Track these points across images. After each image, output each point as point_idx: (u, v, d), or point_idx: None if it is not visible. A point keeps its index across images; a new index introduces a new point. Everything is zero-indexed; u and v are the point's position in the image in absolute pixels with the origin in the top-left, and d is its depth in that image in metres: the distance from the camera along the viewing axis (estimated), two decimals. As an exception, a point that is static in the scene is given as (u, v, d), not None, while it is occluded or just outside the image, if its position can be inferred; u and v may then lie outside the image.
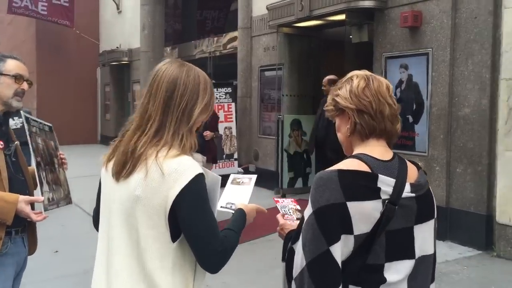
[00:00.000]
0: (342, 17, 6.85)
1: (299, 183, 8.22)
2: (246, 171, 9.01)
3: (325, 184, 1.40)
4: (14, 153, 2.26)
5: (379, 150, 1.51)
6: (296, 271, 1.41)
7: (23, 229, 2.27)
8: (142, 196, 1.46)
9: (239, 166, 9.08)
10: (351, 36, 7.15)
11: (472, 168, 5.35)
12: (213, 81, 8.02)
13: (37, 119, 2.36)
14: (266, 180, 7.62)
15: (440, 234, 5.57)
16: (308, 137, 7.70)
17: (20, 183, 2.22)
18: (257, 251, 5.27)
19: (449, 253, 5.18)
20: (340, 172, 1.41)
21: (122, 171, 1.51)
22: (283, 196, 7.82)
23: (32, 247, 2.40)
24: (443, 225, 5.57)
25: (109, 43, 16.06)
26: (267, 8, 8.07)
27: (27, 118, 2.21)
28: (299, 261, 1.41)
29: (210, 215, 1.51)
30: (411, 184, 1.48)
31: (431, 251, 1.56)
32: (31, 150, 2.18)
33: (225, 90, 9.08)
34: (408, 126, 6.03)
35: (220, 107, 8.95)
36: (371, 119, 1.50)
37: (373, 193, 1.40)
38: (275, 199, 1.94)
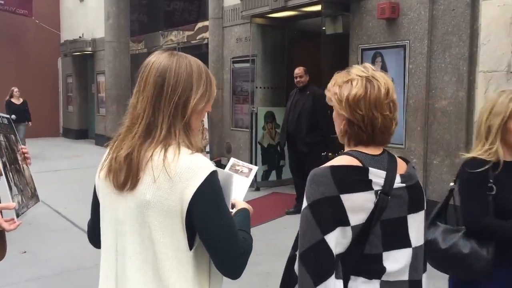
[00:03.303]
0: (318, 8, 6.77)
1: (273, 176, 8.15)
2: (218, 164, 8.85)
3: (319, 180, 1.48)
4: None
5: (370, 149, 1.57)
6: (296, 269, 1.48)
7: None
8: (153, 201, 1.32)
9: (212, 159, 8.90)
10: (323, 28, 7.08)
11: (449, 160, 5.39)
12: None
13: None
14: (240, 173, 7.47)
15: (418, 226, 5.61)
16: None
17: None
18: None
19: (427, 244, 5.20)
20: (333, 168, 1.49)
21: (127, 182, 1.35)
22: (257, 190, 7.73)
23: (1, 253, 2.18)
24: (420, 216, 5.61)
25: (71, 32, 15.44)
26: (240, -2, 7.89)
27: None
28: (296, 264, 1.49)
29: (228, 215, 1.39)
30: (401, 175, 1.55)
31: (421, 241, 1.61)
32: None
33: (196, 81, 8.85)
34: (385, 118, 6.02)
35: (191, 99, 8.73)
36: (361, 131, 1.54)
37: (365, 185, 1.48)
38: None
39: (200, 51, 10.47)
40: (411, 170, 1.61)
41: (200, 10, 11.58)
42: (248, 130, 8.24)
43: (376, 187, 1.48)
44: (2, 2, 14.24)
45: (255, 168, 1.90)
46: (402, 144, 5.79)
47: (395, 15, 5.77)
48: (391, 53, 5.91)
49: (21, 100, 11.62)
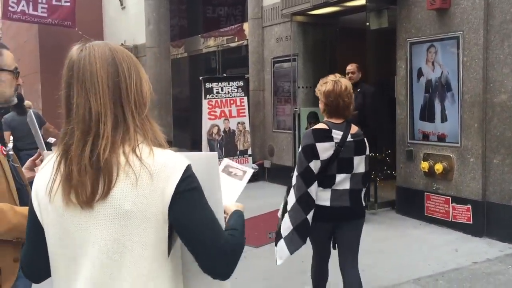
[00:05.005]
0: (361, 2, 6.47)
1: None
2: (261, 167, 8.66)
3: (306, 136, 3.01)
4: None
5: (335, 119, 3.04)
6: (293, 183, 3.00)
7: None
8: (133, 210, 1.16)
9: (254, 162, 8.73)
10: (368, 23, 6.76)
11: (511, 158, 4.97)
12: (224, 75, 7.66)
13: None
14: (282, 176, 7.25)
15: (477, 231, 5.21)
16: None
17: (25, 193, 1.88)
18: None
19: (489, 250, 4.81)
20: (313, 129, 3.02)
21: (96, 192, 1.17)
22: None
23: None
24: (479, 220, 5.21)
25: (113, 40, 15.71)
26: (279, -4, 7.69)
27: None
28: (294, 177, 2.99)
29: (210, 210, 1.25)
30: (351, 134, 3.01)
31: (362, 170, 3.05)
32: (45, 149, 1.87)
33: (237, 83, 8.70)
34: (436, 116, 5.65)
35: (232, 101, 8.59)
36: (331, 109, 3.03)
37: (329, 138, 2.96)
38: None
39: (240, 53, 10.35)
40: (359, 132, 3.08)
41: (240, 12, 11.47)
42: (290, 131, 8.01)
43: (335, 140, 2.96)
44: (45, 15, 14.55)
45: (249, 171, 1.75)
46: (458, 143, 5.40)
47: (447, 4, 5.40)
48: (443, 45, 5.54)
49: None
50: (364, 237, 5.41)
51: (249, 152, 8.70)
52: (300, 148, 2.98)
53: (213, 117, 8.44)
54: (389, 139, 6.49)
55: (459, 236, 5.25)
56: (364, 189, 3.10)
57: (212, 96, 8.45)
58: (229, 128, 8.55)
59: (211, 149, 8.37)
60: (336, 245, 3.17)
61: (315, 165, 2.91)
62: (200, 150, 8.90)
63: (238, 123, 8.62)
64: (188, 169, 1.23)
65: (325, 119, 3.05)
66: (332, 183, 2.95)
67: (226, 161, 1.79)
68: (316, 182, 2.94)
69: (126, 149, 1.19)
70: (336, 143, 2.94)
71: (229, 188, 1.63)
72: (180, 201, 1.19)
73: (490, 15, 5.09)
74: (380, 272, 4.38)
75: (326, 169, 2.92)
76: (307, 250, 4.23)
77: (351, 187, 2.99)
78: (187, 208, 1.20)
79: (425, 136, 5.83)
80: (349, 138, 2.97)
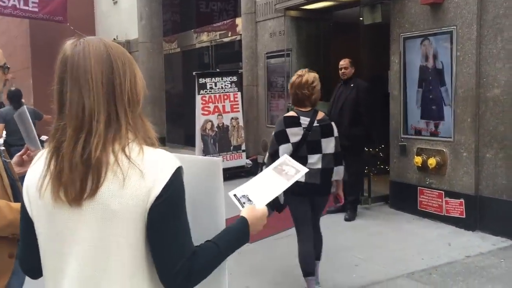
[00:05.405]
0: (355, -4, 6.45)
1: (311, 174, 7.88)
2: (255, 163, 8.65)
3: (278, 122, 3.61)
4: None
5: (303, 108, 3.61)
6: (266, 158, 3.62)
7: None
8: (120, 210, 1.14)
9: (247, 157, 8.72)
10: (361, 18, 6.75)
11: (503, 153, 4.99)
12: (217, 70, 7.62)
13: None
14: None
15: (470, 224, 5.24)
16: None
17: (16, 189, 1.86)
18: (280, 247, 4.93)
19: (482, 244, 4.84)
20: (284, 117, 3.60)
21: (84, 190, 1.15)
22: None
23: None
24: (472, 214, 5.24)
25: (105, 35, 15.59)
26: (273, -9, 7.66)
27: None
28: (267, 155, 3.57)
29: (185, 223, 1.22)
30: (318, 120, 3.57)
31: (331, 151, 3.59)
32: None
33: (230, 79, 8.67)
34: (429, 110, 5.66)
35: (225, 96, 8.56)
36: (294, 98, 3.66)
37: (298, 124, 3.52)
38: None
39: (233, 48, 10.31)
40: (325, 117, 3.65)
41: (233, 7, 11.41)
42: (284, 127, 7.99)
43: (303, 125, 3.52)
44: (37, 10, 14.40)
45: (302, 171, 1.68)
46: (451, 137, 5.42)
47: (440, -1, 5.40)
48: (436, 40, 5.54)
49: None
50: (358, 232, 5.46)
51: (243, 147, 8.69)
52: (273, 133, 3.60)
53: (206, 112, 8.41)
54: (382, 134, 6.50)
55: (452, 230, 5.28)
56: (336, 168, 3.63)
57: (205, 91, 8.42)
58: (223, 123, 8.53)
59: (205, 144, 8.34)
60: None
61: (287, 148, 3.44)
62: (194, 146, 8.87)
63: (232, 118, 8.59)
64: (178, 172, 1.20)
65: (295, 107, 3.65)
66: (305, 163, 3.35)
67: (285, 157, 1.73)
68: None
69: (116, 147, 1.17)
70: (304, 128, 3.51)
71: (271, 187, 1.57)
72: (160, 206, 1.16)
73: (483, 10, 5.10)
74: (373, 266, 4.40)
75: (297, 150, 3.46)
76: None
77: (323, 166, 3.53)
78: (164, 216, 1.17)
79: (418, 131, 5.84)
80: (315, 124, 3.53)
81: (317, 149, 3.52)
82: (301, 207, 3.61)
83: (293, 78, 3.63)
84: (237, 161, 8.53)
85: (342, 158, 3.71)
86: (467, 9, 5.19)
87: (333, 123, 3.69)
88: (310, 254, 3.64)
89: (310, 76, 3.58)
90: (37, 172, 1.24)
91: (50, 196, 1.19)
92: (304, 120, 3.53)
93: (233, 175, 7.82)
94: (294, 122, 3.52)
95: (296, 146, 3.48)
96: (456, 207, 5.38)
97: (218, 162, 1.38)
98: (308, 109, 3.59)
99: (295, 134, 3.49)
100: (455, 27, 5.32)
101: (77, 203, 1.17)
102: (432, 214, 5.64)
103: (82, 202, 1.16)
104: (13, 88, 8.04)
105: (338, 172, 3.64)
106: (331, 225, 5.66)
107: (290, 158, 1.74)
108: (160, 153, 1.21)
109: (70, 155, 1.16)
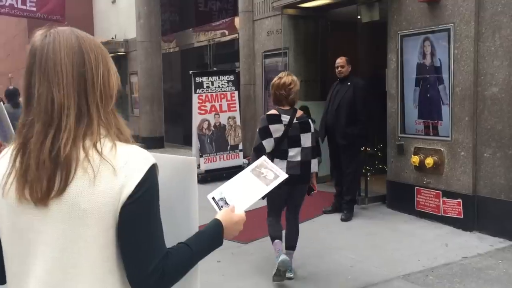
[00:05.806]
0: (353, -6, 6.37)
1: (309, 174, 7.81)
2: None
3: (262, 119, 4.00)
4: None
5: (283, 107, 3.98)
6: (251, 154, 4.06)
7: None
8: (90, 208, 1.09)
9: (245, 157, 8.64)
10: (359, 16, 6.68)
11: (502, 152, 4.92)
12: (215, 69, 7.63)
13: None
14: (274, 171, 7.18)
15: (467, 225, 5.16)
16: (317, 124, 7.25)
17: None
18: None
19: (480, 245, 4.76)
20: (267, 115, 4.02)
21: (52, 188, 1.09)
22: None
23: None
24: (470, 215, 5.17)
25: (104, 34, 15.54)
26: (270, -11, 7.60)
27: None
28: (252, 151, 4.05)
29: (157, 224, 1.16)
30: (297, 117, 3.97)
31: (309, 145, 3.98)
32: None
33: (228, 78, 8.60)
34: (427, 109, 5.59)
35: (222, 95, 8.49)
36: (273, 98, 4.06)
37: (279, 121, 3.91)
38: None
39: (231, 47, 10.25)
40: (303, 115, 4.04)
41: (231, 6, 11.35)
42: (281, 126, 7.92)
43: (284, 122, 3.89)
44: (35, 9, 14.36)
45: (282, 177, 1.60)
46: (448, 136, 5.35)
47: (438, -3, 5.33)
48: (434, 38, 5.47)
49: None
50: (355, 232, 5.39)
51: (240, 147, 8.62)
52: (257, 129, 3.99)
53: (203, 111, 8.34)
54: (380, 133, 6.42)
55: (449, 231, 5.21)
56: (313, 160, 4.04)
57: (202, 90, 8.35)
58: (220, 122, 8.46)
59: (202, 144, 8.27)
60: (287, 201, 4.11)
61: (269, 143, 3.89)
62: (191, 145, 8.81)
63: (229, 117, 8.52)
64: (152, 169, 1.15)
65: (276, 106, 4.03)
66: (286, 156, 3.90)
67: (262, 159, 1.65)
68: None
69: (86, 143, 1.12)
70: (284, 124, 3.91)
71: (249, 190, 1.51)
72: (133, 204, 1.11)
73: (481, 7, 5.03)
74: (369, 267, 4.33)
75: (279, 144, 3.89)
76: (300, 250, 4.19)
77: (302, 159, 3.94)
78: (137, 215, 1.12)
79: (416, 130, 5.77)
80: (295, 121, 3.94)
81: (296, 143, 3.93)
82: (277, 201, 4.00)
83: (274, 80, 4.05)
84: (234, 161, 8.46)
85: (318, 152, 4.15)
86: (465, 6, 5.12)
87: (310, 120, 4.13)
88: (278, 223, 4.11)
89: (288, 78, 3.97)
90: (1, 169, 1.18)
91: (14, 195, 1.13)
92: (285, 118, 3.93)
93: (230, 175, 7.73)
94: (276, 119, 3.93)
95: (278, 141, 3.90)
96: (454, 207, 5.31)
97: (193, 162, 1.33)
98: (288, 107, 4.00)
99: (277, 130, 3.90)
100: (452, 24, 5.24)
101: (43, 202, 1.10)
102: (430, 214, 5.56)
103: (48, 202, 1.10)
104: (11, 87, 8.10)
105: (314, 164, 4.07)
106: (327, 225, 5.59)
107: (269, 161, 1.68)
108: (134, 149, 1.16)
109: (37, 151, 1.10)
